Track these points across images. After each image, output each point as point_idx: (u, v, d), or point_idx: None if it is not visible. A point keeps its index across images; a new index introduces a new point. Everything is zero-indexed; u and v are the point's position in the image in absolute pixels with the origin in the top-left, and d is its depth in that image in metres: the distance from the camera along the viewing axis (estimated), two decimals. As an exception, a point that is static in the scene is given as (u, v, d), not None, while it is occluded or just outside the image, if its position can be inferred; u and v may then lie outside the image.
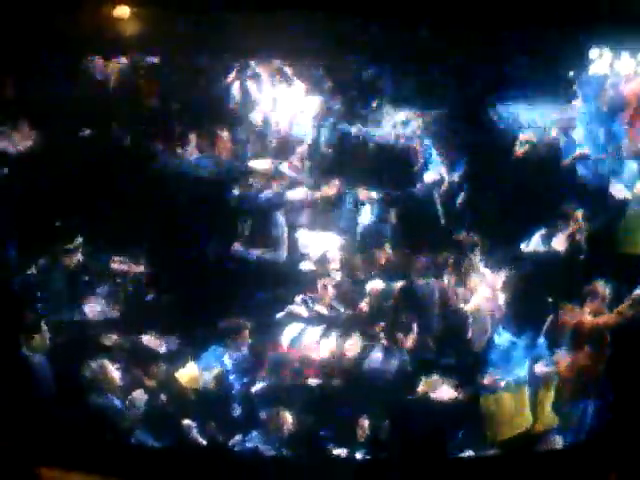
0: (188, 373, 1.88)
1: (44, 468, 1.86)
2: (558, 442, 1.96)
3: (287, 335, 1.86)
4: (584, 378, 1.94)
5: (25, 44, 1.60)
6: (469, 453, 1.92)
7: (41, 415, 1.86)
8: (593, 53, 1.64)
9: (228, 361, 1.87)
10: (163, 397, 1.89)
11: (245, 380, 1.89)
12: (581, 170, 1.79)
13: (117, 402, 1.89)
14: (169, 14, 1.58)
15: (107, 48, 1.65)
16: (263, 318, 1.85)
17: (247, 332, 1.85)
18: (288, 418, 1.88)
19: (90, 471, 1.88)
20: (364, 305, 1.86)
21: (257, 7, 1.56)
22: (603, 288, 1.87)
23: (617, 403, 1.94)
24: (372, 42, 1.63)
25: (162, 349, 1.87)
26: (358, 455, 1.92)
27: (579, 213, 1.81)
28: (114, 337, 1.86)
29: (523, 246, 1.85)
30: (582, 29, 1.62)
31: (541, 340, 1.91)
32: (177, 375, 1.87)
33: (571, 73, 1.68)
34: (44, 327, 1.83)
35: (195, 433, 1.91)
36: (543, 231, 1.85)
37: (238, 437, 1.90)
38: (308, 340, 1.87)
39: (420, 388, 1.89)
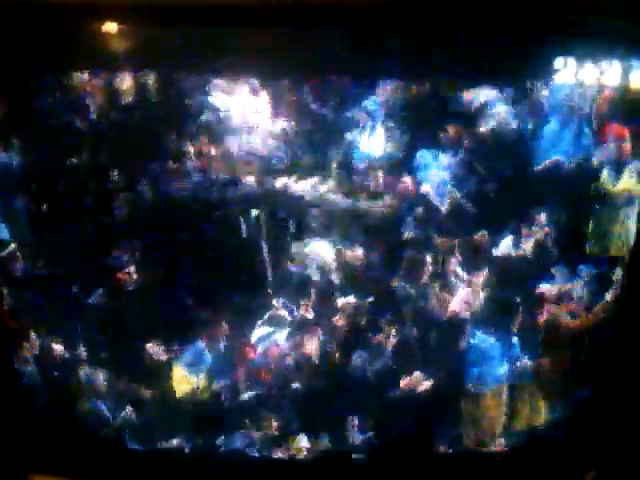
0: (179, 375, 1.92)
1: (37, 475, 1.92)
2: (535, 440, 2.00)
3: (267, 337, 1.90)
4: (561, 377, 1.99)
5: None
6: (448, 451, 1.98)
7: (33, 422, 1.93)
8: (558, 63, 1.64)
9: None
10: (154, 401, 1.94)
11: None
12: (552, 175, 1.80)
13: (106, 408, 1.95)
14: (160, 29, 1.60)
15: (88, 64, 1.66)
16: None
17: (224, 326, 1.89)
18: (272, 420, 1.95)
19: (82, 477, 1.94)
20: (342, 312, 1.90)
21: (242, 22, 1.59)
22: (578, 288, 1.93)
23: (594, 401, 1.98)
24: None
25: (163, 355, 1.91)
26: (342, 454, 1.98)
27: (548, 216, 1.84)
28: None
29: (494, 250, 1.87)
30: (548, 39, 1.65)
31: (517, 341, 1.93)
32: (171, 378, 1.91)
33: (538, 82, 1.68)
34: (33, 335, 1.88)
35: (185, 436, 1.97)
36: (514, 234, 1.86)
37: (223, 438, 1.97)
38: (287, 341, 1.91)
39: (401, 387, 1.94)
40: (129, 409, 1.95)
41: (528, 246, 1.88)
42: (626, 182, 1.81)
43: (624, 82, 1.67)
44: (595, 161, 1.79)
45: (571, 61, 1.65)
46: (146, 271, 1.84)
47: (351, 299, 1.89)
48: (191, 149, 1.75)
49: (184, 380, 1.92)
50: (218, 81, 1.68)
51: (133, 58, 1.63)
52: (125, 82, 1.67)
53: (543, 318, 1.94)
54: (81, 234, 1.79)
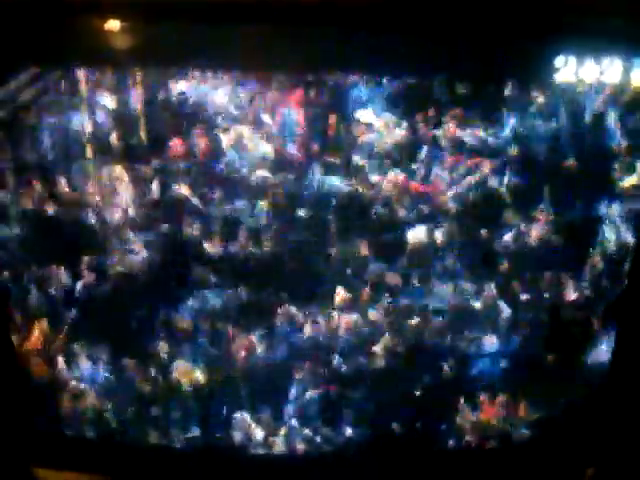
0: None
1: (41, 468, 1.94)
2: (535, 437, 2.01)
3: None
4: (562, 373, 1.99)
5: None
6: (447, 448, 1.99)
7: (37, 414, 1.95)
8: (559, 61, 1.64)
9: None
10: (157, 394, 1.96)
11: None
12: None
13: (110, 402, 1.97)
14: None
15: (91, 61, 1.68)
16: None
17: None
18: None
19: (85, 471, 1.96)
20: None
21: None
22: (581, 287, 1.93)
23: (594, 398, 1.98)
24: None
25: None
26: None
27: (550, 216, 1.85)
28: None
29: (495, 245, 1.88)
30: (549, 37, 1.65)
31: (517, 340, 1.94)
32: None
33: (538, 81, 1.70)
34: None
35: (188, 429, 1.99)
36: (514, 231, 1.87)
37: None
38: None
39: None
40: (133, 403, 1.97)
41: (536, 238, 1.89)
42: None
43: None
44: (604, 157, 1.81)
45: (571, 59, 1.65)
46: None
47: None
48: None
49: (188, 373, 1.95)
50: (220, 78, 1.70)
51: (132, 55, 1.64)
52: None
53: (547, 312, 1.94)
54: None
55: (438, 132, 1.76)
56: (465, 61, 1.66)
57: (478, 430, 2.01)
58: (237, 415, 1.97)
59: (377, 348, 1.94)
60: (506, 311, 1.94)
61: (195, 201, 1.81)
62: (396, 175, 1.82)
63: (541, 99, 1.72)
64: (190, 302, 1.88)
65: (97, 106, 1.72)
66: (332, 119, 1.75)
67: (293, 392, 1.96)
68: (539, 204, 1.84)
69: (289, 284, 1.88)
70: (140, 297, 1.89)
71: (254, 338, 1.92)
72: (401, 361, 1.95)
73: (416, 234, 1.87)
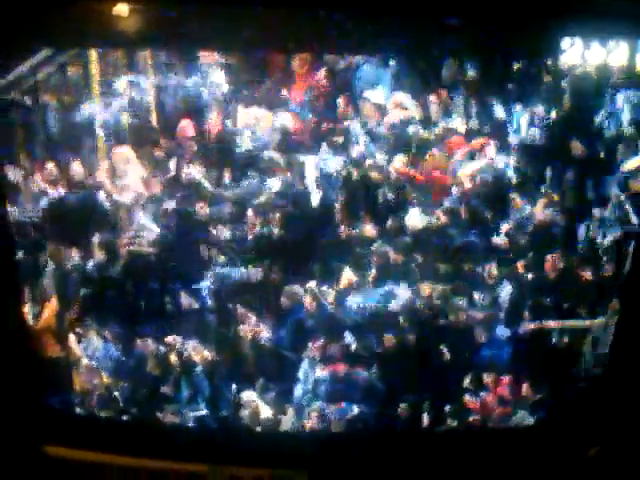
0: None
1: (50, 446, 1.94)
2: (540, 417, 2.03)
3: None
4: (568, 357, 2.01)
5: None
6: (454, 427, 2.01)
7: (46, 393, 1.96)
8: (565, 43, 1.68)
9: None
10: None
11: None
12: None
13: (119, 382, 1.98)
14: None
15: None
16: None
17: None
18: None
19: (97, 449, 1.96)
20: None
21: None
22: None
23: (598, 381, 2.00)
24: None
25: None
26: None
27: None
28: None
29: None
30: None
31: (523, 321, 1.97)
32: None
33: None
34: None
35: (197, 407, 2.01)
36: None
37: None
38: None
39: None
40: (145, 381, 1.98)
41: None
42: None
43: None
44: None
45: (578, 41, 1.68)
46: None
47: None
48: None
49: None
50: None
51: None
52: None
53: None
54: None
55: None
56: (474, 43, 1.69)
57: (484, 411, 2.03)
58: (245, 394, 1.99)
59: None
60: (511, 291, 1.96)
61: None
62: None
63: (548, 81, 1.75)
64: (202, 281, 1.91)
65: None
66: (342, 99, 1.78)
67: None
68: (544, 185, 1.87)
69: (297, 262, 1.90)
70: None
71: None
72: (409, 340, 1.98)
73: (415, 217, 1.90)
